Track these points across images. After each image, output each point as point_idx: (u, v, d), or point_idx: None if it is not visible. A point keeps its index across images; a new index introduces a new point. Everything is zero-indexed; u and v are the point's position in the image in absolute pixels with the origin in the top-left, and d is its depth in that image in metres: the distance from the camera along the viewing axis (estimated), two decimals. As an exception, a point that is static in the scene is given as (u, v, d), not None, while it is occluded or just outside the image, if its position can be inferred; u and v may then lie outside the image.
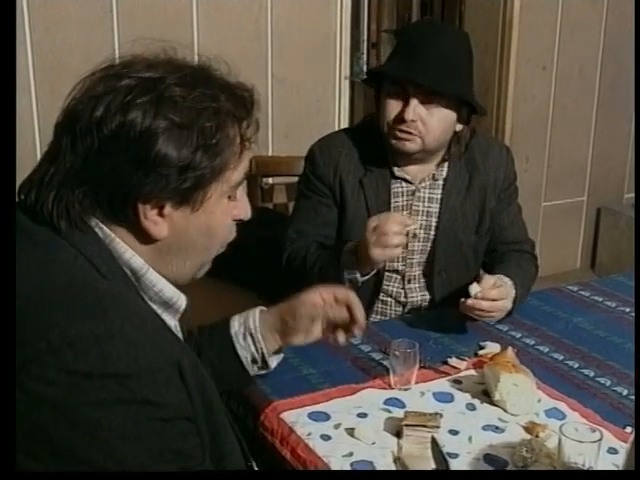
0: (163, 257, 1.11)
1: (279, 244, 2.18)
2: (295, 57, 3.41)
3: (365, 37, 4.21)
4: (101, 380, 0.91)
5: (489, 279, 1.88)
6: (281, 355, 1.56)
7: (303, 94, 3.47)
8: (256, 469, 1.33)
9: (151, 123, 1.01)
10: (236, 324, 1.51)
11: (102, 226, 1.06)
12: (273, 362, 1.53)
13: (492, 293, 1.84)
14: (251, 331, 1.49)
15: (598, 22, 4.08)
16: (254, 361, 1.49)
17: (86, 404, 0.90)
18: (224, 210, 1.13)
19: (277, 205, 3.24)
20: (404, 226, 1.83)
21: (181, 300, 1.16)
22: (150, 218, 1.06)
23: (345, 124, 3.59)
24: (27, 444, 0.91)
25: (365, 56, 4.15)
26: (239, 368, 1.49)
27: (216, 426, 1.11)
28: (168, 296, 1.14)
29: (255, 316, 1.51)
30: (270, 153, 3.44)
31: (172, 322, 1.17)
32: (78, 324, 0.93)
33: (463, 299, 1.84)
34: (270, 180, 3.27)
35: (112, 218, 1.06)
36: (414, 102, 1.95)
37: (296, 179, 2.94)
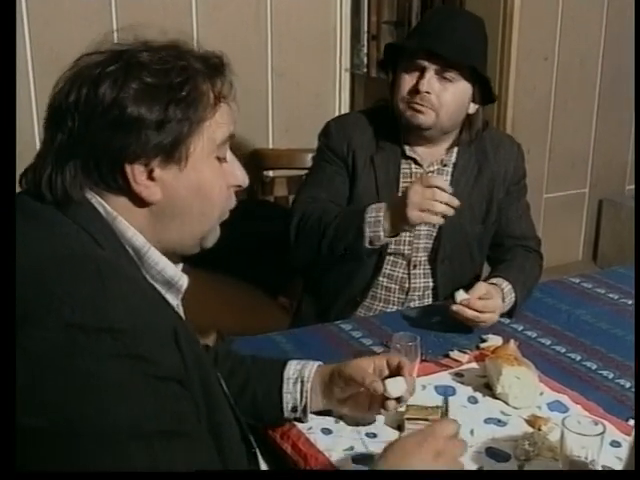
0: (161, 223, 1.13)
1: (280, 237, 2.17)
2: (295, 50, 3.40)
3: (365, 29, 4.19)
4: (97, 334, 0.92)
5: (480, 288, 1.87)
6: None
7: (303, 87, 3.46)
8: (260, 457, 1.32)
9: (121, 88, 1.05)
10: (292, 369, 1.50)
11: (105, 205, 1.09)
12: (309, 416, 1.50)
13: (477, 304, 1.83)
14: (303, 379, 1.48)
15: (600, 13, 4.06)
16: (294, 409, 1.48)
17: (82, 357, 0.91)
18: (214, 170, 1.15)
19: (278, 198, 3.23)
20: (450, 198, 1.83)
21: (183, 280, 1.18)
22: (141, 183, 1.08)
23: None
24: (25, 399, 0.91)
25: (365, 48, 4.12)
26: (277, 410, 1.48)
27: (213, 405, 1.11)
28: (170, 275, 1.15)
29: (312, 368, 1.50)
30: (270, 146, 3.43)
31: (174, 302, 1.18)
32: (77, 284, 0.95)
33: (451, 303, 1.84)
34: (270, 173, 3.27)
35: (105, 188, 1.09)
36: (429, 74, 1.99)
37: (297, 172, 2.95)
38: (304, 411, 1.47)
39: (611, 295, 2.17)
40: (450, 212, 1.84)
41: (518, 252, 2.16)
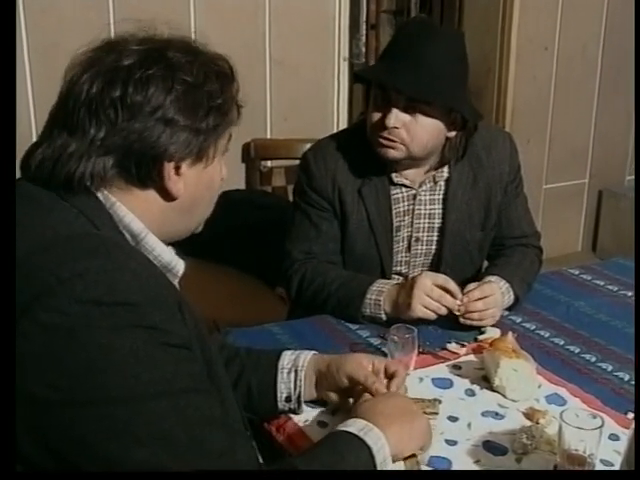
0: (176, 216, 1.19)
1: (278, 227, 2.16)
2: (293, 39, 3.37)
3: (364, 18, 4.17)
4: (110, 308, 0.96)
5: (471, 284, 1.86)
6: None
7: (302, 76, 3.43)
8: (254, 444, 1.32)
9: (170, 91, 1.10)
10: (286, 359, 1.50)
11: (104, 191, 1.12)
12: (303, 407, 1.50)
13: (478, 305, 1.82)
14: (297, 368, 1.48)
15: (600, 2, 4.04)
16: (288, 399, 1.47)
17: (98, 330, 0.95)
18: (221, 165, 1.22)
19: (276, 188, 3.22)
20: (457, 301, 1.81)
21: (179, 265, 1.20)
22: (172, 178, 1.13)
23: (344, 106, 3.56)
24: (42, 373, 0.94)
25: (364, 37, 4.11)
26: (271, 401, 1.47)
27: (216, 380, 1.14)
28: (167, 260, 1.18)
29: (307, 357, 1.50)
30: (269, 136, 3.41)
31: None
32: (86, 260, 0.98)
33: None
34: (269, 163, 3.25)
35: (136, 183, 1.13)
36: (396, 109, 1.87)
37: (295, 162, 2.93)
38: (298, 401, 1.47)
39: (610, 287, 2.15)
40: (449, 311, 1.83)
41: (517, 250, 2.13)
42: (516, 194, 2.16)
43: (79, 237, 1.04)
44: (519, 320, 1.92)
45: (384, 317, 1.86)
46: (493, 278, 1.95)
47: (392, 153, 1.92)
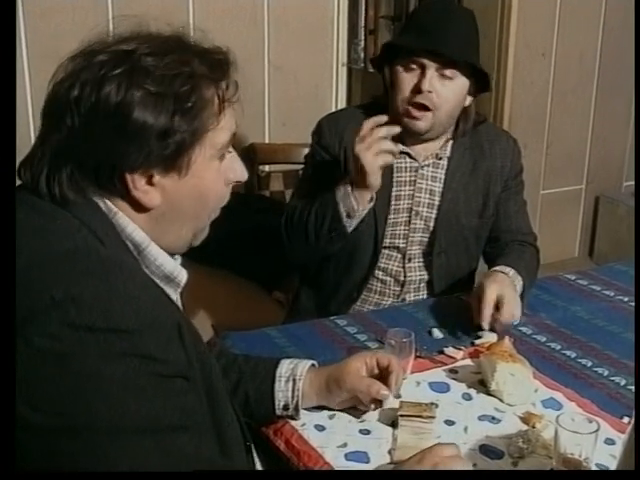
0: (160, 226, 1.13)
1: (276, 231, 2.16)
2: (292, 44, 3.38)
3: (363, 24, 4.17)
4: (104, 334, 0.93)
5: (491, 297, 1.84)
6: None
7: (300, 81, 3.44)
8: (254, 453, 1.32)
9: (126, 94, 1.03)
10: (284, 367, 1.49)
11: (105, 200, 1.09)
12: (301, 413, 1.50)
13: (506, 316, 1.81)
14: (295, 378, 1.47)
15: (598, 8, 4.05)
16: (285, 407, 1.47)
17: (90, 357, 0.92)
18: (215, 174, 1.14)
19: (273, 193, 3.22)
20: (387, 131, 1.85)
21: (182, 275, 1.18)
22: (140, 188, 1.08)
23: (342, 111, 3.56)
24: (30, 395, 0.92)
25: (363, 43, 4.11)
26: (269, 408, 1.47)
27: (216, 399, 1.13)
28: (169, 270, 1.15)
29: (304, 367, 1.50)
30: (267, 140, 3.42)
31: (174, 296, 1.18)
32: (82, 281, 0.96)
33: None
34: (267, 168, 3.25)
35: (103, 191, 1.08)
36: (430, 73, 1.98)
37: (293, 167, 2.94)
38: (296, 409, 1.47)
39: (607, 292, 2.16)
40: (396, 149, 1.89)
41: (515, 246, 2.15)
42: (516, 192, 2.20)
43: (78, 253, 1.01)
44: (516, 324, 1.93)
45: (355, 205, 1.91)
46: (499, 267, 1.95)
47: (420, 124, 2.03)
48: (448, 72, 1.99)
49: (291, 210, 2.07)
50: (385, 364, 1.50)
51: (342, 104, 3.56)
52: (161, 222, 1.13)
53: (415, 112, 2.00)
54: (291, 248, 2.10)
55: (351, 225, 1.96)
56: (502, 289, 1.83)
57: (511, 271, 1.95)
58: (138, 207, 1.10)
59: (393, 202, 2.10)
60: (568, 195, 4.34)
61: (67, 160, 1.06)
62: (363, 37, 3.81)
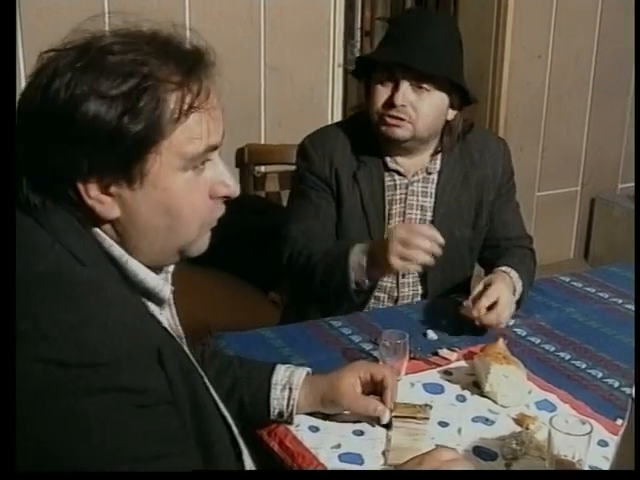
0: (130, 241, 1.06)
1: (271, 232, 2.16)
2: (288, 45, 3.38)
3: (359, 25, 4.19)
4: (77, 369, 0.88)
5: (479, 285, 1.87)
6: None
7: (296, 82, 3.44)
8: (245, 457, 1.31)
9: (73, 92, 0.96)
10: (280, 374, 1.48)
11: (78, 214, 1.03)
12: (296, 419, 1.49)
13: (491, 318, 1.81)
14: (291, 386, 1.46)
15: (594, 10, 4.06)
16: (280, 414, 1.46)
17: (63, 394, 0.88)
18: (185, 185, 1.04)
19: (269, 193, 3.23)
20: (433, 242, 1.77)
21: (165, 290, 1.12)
22: (94, 197, 1.01)
23: (338, 112, 3.57)
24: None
25: (359, 44, 4.12)
26: (264, 414, 1.46)
27: (202, 414, 1.10)
28: (151, 285, 1.09)
29: (300, 376, 1.48)
30: (263, 141, 3.42)
31: (158, 311, 1.14)
32: (51, 313, 0.91)
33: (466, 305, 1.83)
34: (262, 168, 3.26)
35: (61, 201, 1.01)
36: (404, 86, 1.93)
37: (289, 167, 2.93)
38: (290, 416, 1.46)
39: (601, 294, 2.16)
40: (431, 261, 1.78)
41: (515, 250, 2.14)
42: (509, 198, 2.18)
43: (49, 277, 0.95)
44: (510, 326, 1.93)
45: (367, 281, 1.87)
46: (502, 268, 1.95)
47: (398, 132, 1.97)
48: (424, 85, 1.94)
49: (295, 250, 2.03)
50: (379, 379, 1.48)
51: (338, 105, 3.56)
52: (128, 236, 1.05)
53: (392, 120, 1.96)
54: (291, 278, 2.07)
55: (358, 292, 1.92)
56: (503, 293, 1.84)
57: (515, 275, 1.95)
58: (96, 218, 1.03)
59: (387, 221, 2.07)
60: (564, 197, 4.35)
61: (26, 167, 1.01)
62: (359, 38, 3.83)
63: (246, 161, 3.24)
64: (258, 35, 3.31)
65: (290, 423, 1.47)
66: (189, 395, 1.06)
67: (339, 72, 3.53)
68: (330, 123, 2.26)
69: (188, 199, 1.06)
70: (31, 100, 0.99)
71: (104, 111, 0.96)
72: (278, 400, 1.45)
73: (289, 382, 1.47)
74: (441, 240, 1.76)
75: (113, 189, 1.01)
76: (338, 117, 3.57)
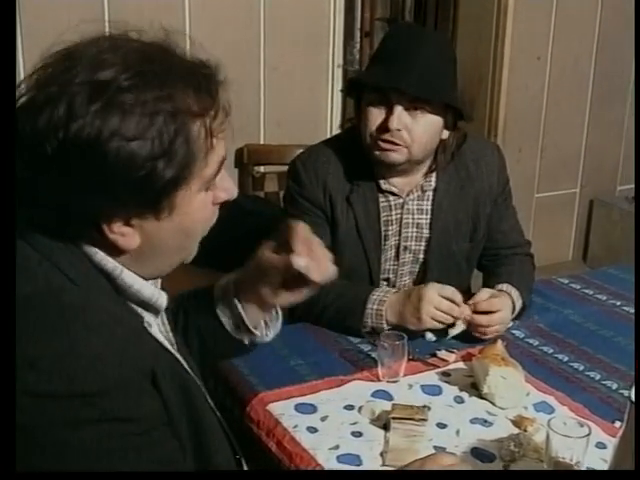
0: (140, 262, 1.04)
1: (270, 233, 2.15)
2: (288, 45, 3.38)
3: (359, 26, 4.19)
4: (68, 401, 0.87)
5: (484, 293, 1.87)
6: (278, 325, 1.44)
7: (296, 82, 3.44)
8: (244, 464, 1.31)
9: (99, 138, 0.90)
10: (220, 289, 1.39)
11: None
12: (268, 331, 1.42)
13: (483, 320, 1.82)
14: (229, 297, 1.37)
15: (593, 13, 4.06)
16: (237, 327, 1.37)
17: (54, 426, 0.86)
18: (200, 206, 1.04)
19: (268, 194, 3.22)
20: (455, 309, 1.80)
21: (161, 299, 1.10)
22: (117, 231, 0.98)
23: (337, 113, 3.57)
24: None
25: (358, 45, 4.13)
26: (224, 333, 1.38)
27: (201, 425, 1.09)
28: (147, 296, 1.07)
29: (231, 279, 1.40)
30: (262, 141, 3.42)
31: (154, 321, 1.12)
32: (39, 342, 0.88)
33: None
34: (262, 168, 3.25)
35: (77, 237, 0.99)
36: (398, 110, 1.85)
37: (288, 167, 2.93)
38: (246, 326, 1.37)
39: (599, 296, 2.16)
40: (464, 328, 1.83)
41: (515, 258, 2.12)
42: (506, 206, 2.15)
43: (36, 300, 0.92)
44: (508, 328, 1.93)
45: (386, 327, 1.83)
46: (504, 286, 1.94)
47: (394, 156, 1.90)
48: (418, 107, 1.86)
49: None
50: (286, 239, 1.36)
51: (337, 106, 3.56)
52: (140, 259, 1.03)
53: (386, 145, 1.89)
54: (299, 314, 1.95)
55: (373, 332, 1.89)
56: (504, 309, 1.86)
57: (516, 294, 1.94)
58: (114, 249, 1.00)
59: (383, 242, 2.03)
60: (562, 199, 4.35)
61: (35, 202, 0.95)
62: (359, 39, 3.83)
63: (245, 161, 3.24)
64: (258, 35, 3.31)
65: (265, 339, 1.41)
66: (187, 410, 1.04)
67: (338, 72, 3.53)
68: (321, 140, 2.14)
69: (202, 216, 1.06)
70: (43, 135, 0.91)
71: (135, 155, 0.92)
72: (223, 312, 1.37)
73: (225, 293, 1.38)
74: (466, 311, 1.82)
75: (135, 221, 0.99)
76: (337, 117, 3.57)
